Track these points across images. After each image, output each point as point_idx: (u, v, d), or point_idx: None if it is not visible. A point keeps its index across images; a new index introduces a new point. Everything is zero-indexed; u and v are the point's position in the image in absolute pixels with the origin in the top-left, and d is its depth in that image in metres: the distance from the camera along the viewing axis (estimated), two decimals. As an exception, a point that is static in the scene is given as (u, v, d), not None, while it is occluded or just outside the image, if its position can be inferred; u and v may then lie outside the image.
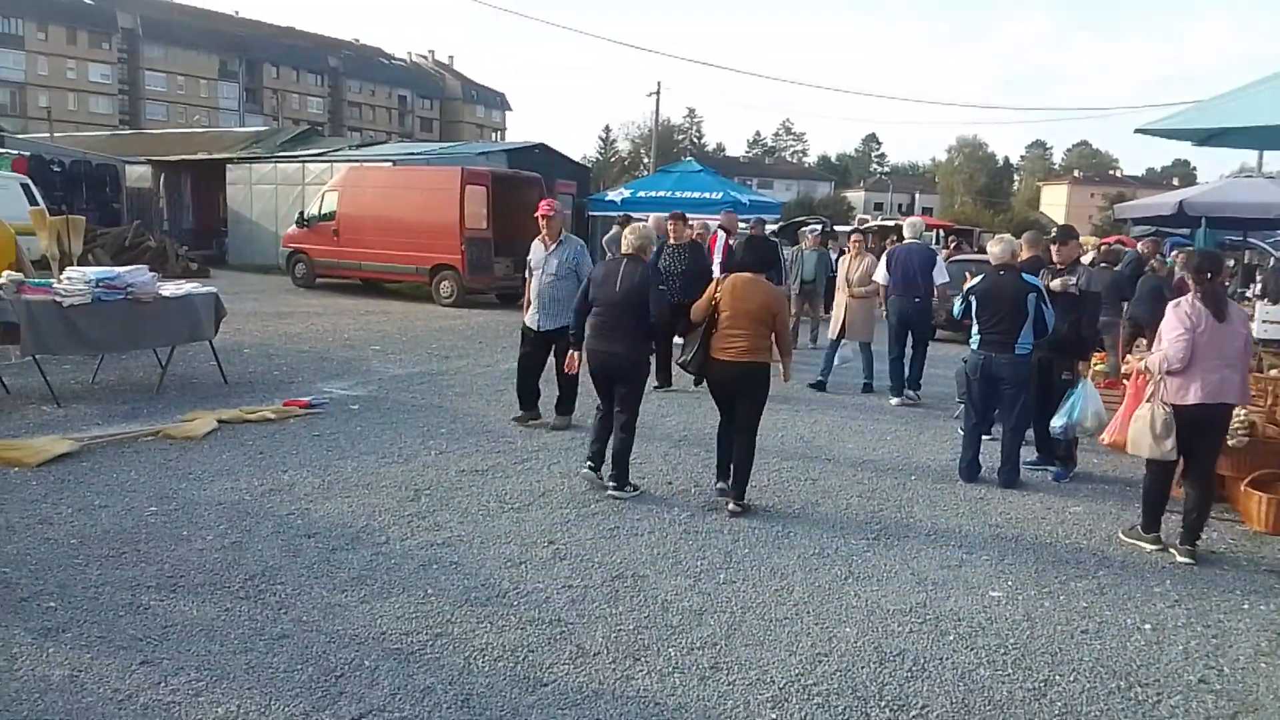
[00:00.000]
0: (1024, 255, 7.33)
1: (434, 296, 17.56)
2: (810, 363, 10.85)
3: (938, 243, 26.08)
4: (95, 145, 28.74)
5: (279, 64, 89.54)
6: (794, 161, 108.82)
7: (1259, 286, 12.20)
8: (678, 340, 7.35)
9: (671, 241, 9.71)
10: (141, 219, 22.53)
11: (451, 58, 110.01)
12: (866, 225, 31.14)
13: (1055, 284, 6.95)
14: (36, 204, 15.14)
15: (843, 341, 10.52)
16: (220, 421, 7.25)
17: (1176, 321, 5.21)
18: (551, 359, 7.69)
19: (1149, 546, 5.46)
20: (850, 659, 3.91)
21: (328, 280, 19.17)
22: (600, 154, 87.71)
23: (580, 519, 5.54)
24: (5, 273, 7.66)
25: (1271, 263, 19.08)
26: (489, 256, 17.81)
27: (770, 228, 20.37)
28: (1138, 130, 6.53)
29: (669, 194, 19.92)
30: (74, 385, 8.45)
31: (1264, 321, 7.58)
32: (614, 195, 21.81)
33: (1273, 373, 6.90)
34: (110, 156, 24.99)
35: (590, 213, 21.81)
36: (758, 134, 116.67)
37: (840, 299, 10.51)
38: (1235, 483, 6.19)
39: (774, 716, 3.43)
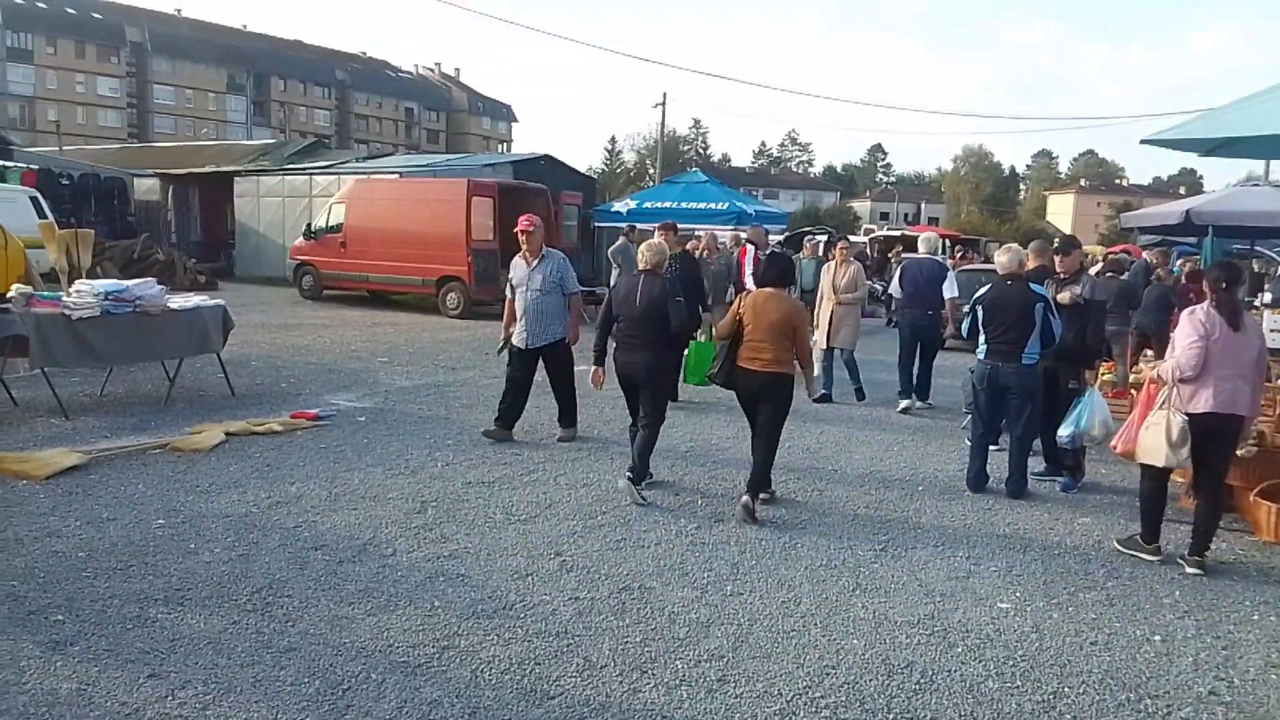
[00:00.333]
0: (1030, 265, 7.32)
1: (440, 308, 17.60)
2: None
3: (943, 252, 26.11)
4: (104, 158, 28.93)
5: (286, 77, 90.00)
6: (799, 172, 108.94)
7: (1268, 295, 12.16)
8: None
9: None
10: (149, 232, 22.64)
11: (458, 70, 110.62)
12: (873, 235, 31.26)
13: (1062, 296, 6.94)
14: (45, 217, 15.19)
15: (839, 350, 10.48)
16: (228, 434, 7.26)
17: (1190, 329, 5.20)
18: (543, 375, 7.70)
19: (1149, 557, 5.42)
20: (858, 671, 3.89)
21: (335, 292, 19.23)
22: (606, 165, 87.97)
23: (587, 531, 5.54)
24: (14, 286, 7.70)
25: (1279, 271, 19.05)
26: (495, 268, 17.83)
27: (776, 238, 20.38)
28: (1144, 141, 6.53)
29: (675, 205, 19.97)
30: (82, 398, 8.49)
31: (1272, 330, 7.56)
32: (620, 206, 21.88)
33: (1281, 382, 6.88)
34: (119, 170, 25.15)
35: (596, 224, 21.87)
36: (763, 144, 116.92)
37: (826, 306, 10.49)
38: (1244, 493, 6.17)
39: (782, 729, 3.42)
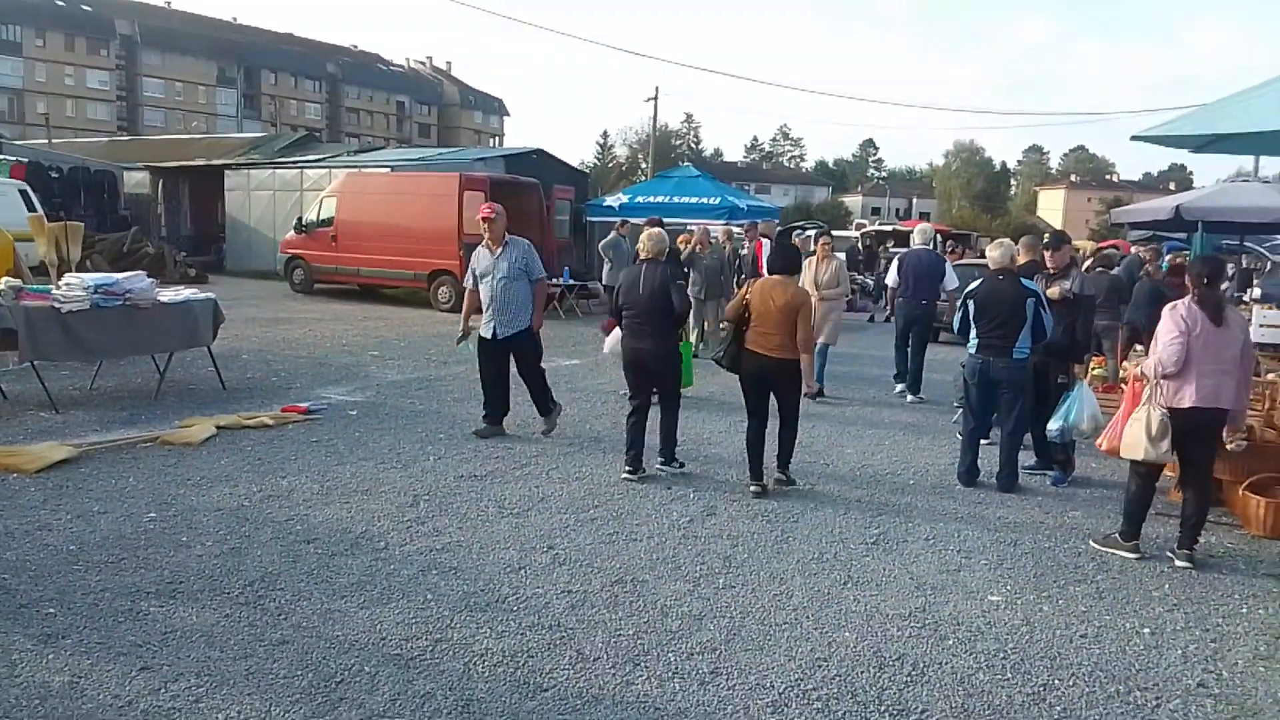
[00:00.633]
0: (1021, 260, 7.35)
1: (432, 302, 17.56)
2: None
3: (935, 247, 26.19)
4: (93, 151, 28.73)
5: (277, 70, 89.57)
6: (791, 167, 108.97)
7: (1258, 290, 12.22)
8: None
9: None
10: (139, 225, 22.52)
11: (449, 63, 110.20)
12: (865, 230, 31.31)
13: (1052, 291, 6.97)
14: (35, 210, 15.14)
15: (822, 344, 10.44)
16: (219, 427, 7.25)
17: (1172, 325, 5.22)
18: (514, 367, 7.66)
19: (1128, 555, 5.43)
20: (850, 664, 3.91)
21: (326, 286, 19.18)
22: (598, 159, 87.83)
23: (579, 524, 5.54)
24: (4, 279, 7.66)
25: (1269, 266, 19.13)
26: (487, 262, 17.79)
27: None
28: (1134, 137, 6.54)
29: (667, 199, 19.96)
30: (72, 391, 8.45)
31: (1261, 326, 7.60)
32: (612, 201, 21.85)
33: (1270, 377, 6.92)
34: (108, 163, 24.99)
35: (588, 218, 21.84)
36: (755, 139, 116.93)
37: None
38: (1233, 487, 6.20)
39: (774, 721, 3.43)
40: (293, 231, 19.49)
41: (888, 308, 10.82)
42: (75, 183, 22.42)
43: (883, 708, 3.56)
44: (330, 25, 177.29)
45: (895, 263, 10.76)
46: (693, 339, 10.11)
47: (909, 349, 10.35)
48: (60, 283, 7.95)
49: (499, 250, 7.41)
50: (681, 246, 12.10)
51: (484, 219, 7.44)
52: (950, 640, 4.19)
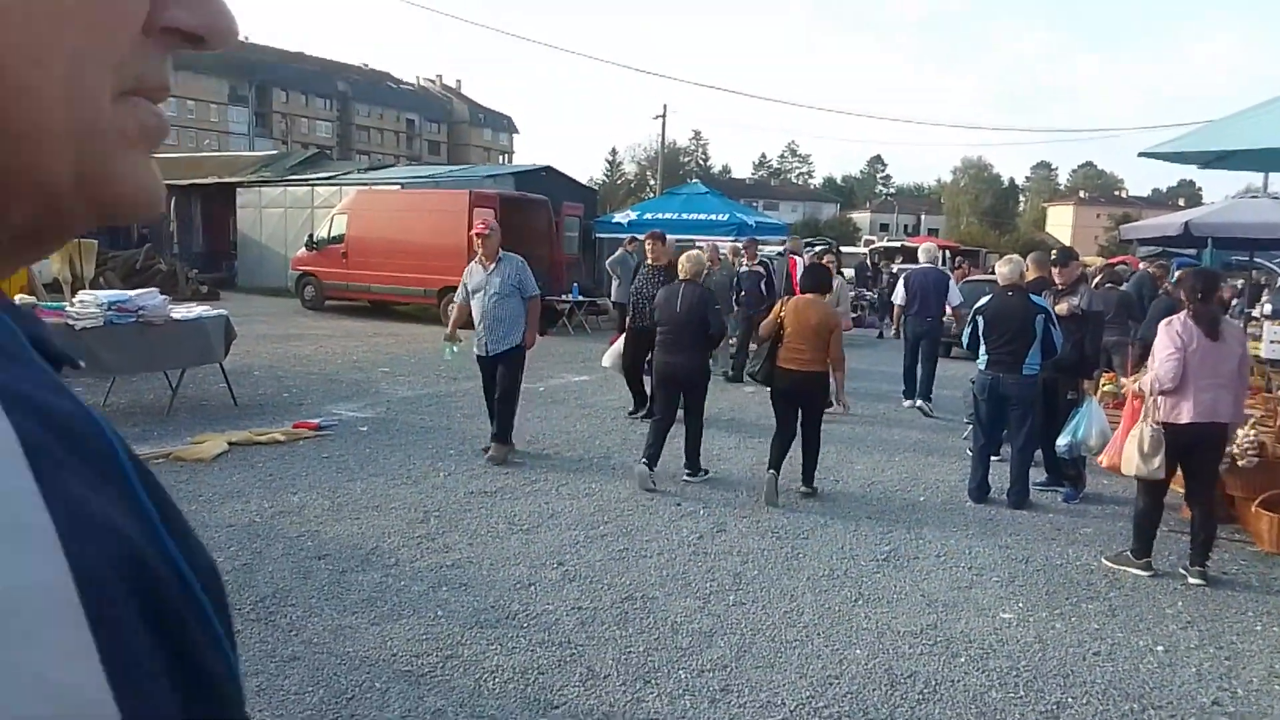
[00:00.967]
0: (1029, 276, 7.35)
1: (442, 318, 17.50)
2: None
3: (944, 264, 26.18)
4: (106, 170, 28.89)
5: (288, 88, 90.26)
6: (799, 183, 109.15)
7: (1268, 306, 12.17)
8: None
9: (649, 262, 9.19)
10: (152, 242, 22.68)
11: (459, 81, 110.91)
12: (874, 246, 31.34)
13: (1060, 307, 6.97)
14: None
15: None
16: (230, 444, 7.28)
17: (1168, 340, 5.22)
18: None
19: (1140, 572, 5.41)
20: (861, 681, 3.90)
21: (337, 302, 19.26)
22: (607, 176, 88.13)
23: (589, 540, 5.54)
24: (17, 296, 7.73)
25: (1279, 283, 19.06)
26: (496, 279, 17.85)
27: (776, 249, 20.47)
28: (1142, 154, 6.55)
29: (676, 216, 20.00)
30: (85, 408, 8.49)
31: (1273, 342, 7.57)
32: (621, 217, 21.90)
33: (1282, 393, 6.89)
34: (121, 181, 25.14)
35: (597, 235, 21.90)
36: (763, 156, 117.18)
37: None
38: (1246, 504, 6.17)
39: (785, 739, 3.42)
40: (304, 248, 19.60)
41: (894, 325, 11.05)
42: (88, 201, 22.55)
43: (894, 726, 3.54)
44: (341, 44, 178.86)
45: (901, 281, 11.07)
46: None
47: (919, 362, 10.57)
48: (74, 300, 8.01)
49: (492, 266, 7.30)
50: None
51: (478, 234, 7.34)
52: (962, 658, 4.18)
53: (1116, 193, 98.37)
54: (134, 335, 7.94)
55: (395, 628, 4.18)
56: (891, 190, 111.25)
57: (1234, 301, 14.27)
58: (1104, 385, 8.94)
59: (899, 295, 10.98)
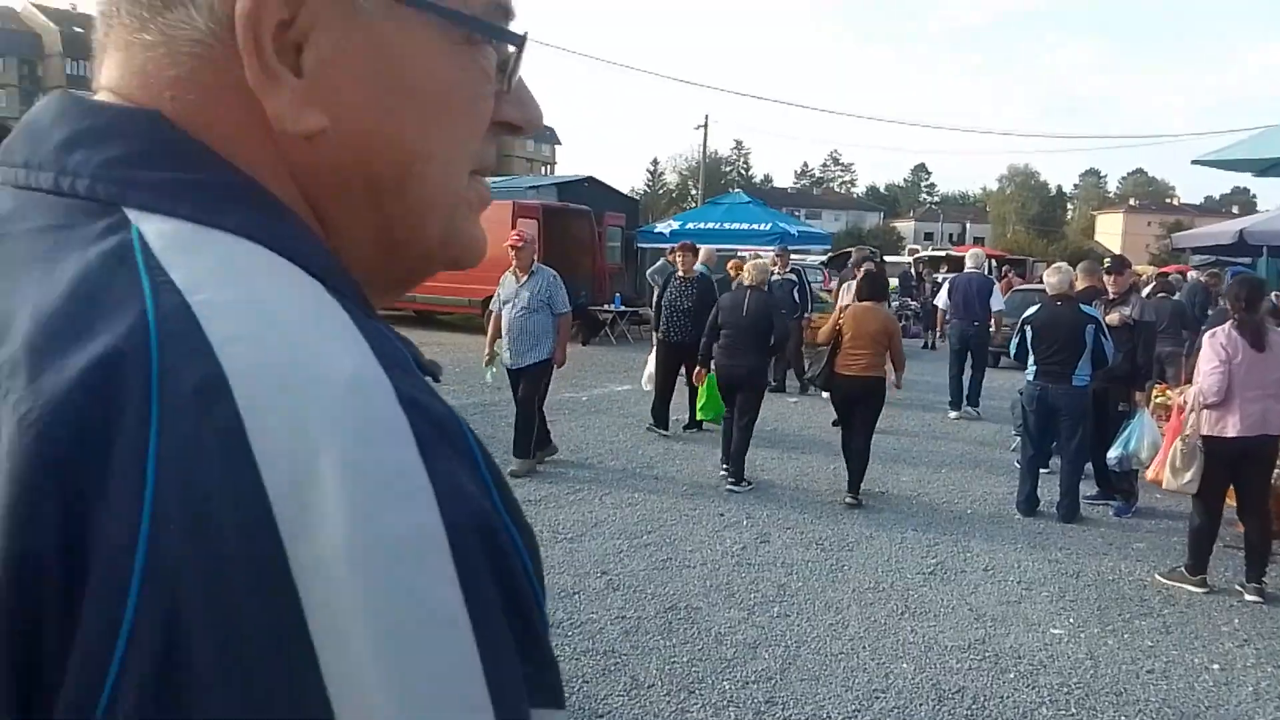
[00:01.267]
0: (1079, 285, 7.24)
1: (485, 328, 17.76)
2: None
3: (990, 272, 25.82)
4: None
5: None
6: (842, 192, 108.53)
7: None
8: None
9: (680, 274, 8.86)
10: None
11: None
12: (918, 254, 31.04)
13: (1111, 317, 6.86)
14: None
15: None
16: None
17: (1212, 353, 5.11)
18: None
19: (1194, 589, 5.29)
20: (908, 696, 3.86)
21: (383, 312, 19.36)
22: (648, 186, 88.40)
23: (633, 550, 5.55)
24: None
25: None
26: (540, 289, 17.97)
27: (817, 259, 20.32)
28: (1195, 162, 6.45)
29: (718, 225, 19.97)
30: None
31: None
32: (663, 227, 21.90)
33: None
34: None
35: (639, 245, 21.96)
36: (805, 165, 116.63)
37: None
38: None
39: (831, 752, 3.40)
40: (350, 259, 19.89)
41: (937, 330, 11.09)
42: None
43: (942, 741, 3.51)
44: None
45: (946, 286, 11.17)
46: None
47: (965, 369, 10.58)
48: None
49: (524, 279, 7.22)
50: (732, 273, 12.12)
51: (512, 246, 7.20)
52: (1011, 673, 4.12)
53: (1168, 200, 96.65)
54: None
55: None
56: (936, 199, 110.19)
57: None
58: (1155, 397, 8.78)
59: (942, 299, 11.15)
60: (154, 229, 0.45)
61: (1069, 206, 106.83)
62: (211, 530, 0.37)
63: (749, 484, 7.07)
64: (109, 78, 0.52)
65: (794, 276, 12.34)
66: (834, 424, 7.81)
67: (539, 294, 7.16)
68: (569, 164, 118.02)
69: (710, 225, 20.10)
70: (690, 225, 20.71)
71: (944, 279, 20.57)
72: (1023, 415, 7.04)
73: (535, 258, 7.46)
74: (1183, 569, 5.40)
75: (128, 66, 0.51)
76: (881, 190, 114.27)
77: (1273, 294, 13.00)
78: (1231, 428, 5.05)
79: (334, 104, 0.50)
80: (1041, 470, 6.99)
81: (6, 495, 0.38)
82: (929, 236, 76.62)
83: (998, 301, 10.68)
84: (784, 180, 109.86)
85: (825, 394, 7.85)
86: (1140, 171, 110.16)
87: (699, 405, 8.45)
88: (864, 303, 7.13)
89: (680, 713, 3.62)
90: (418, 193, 0.54)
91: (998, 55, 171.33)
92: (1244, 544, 5.34)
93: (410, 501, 0.40)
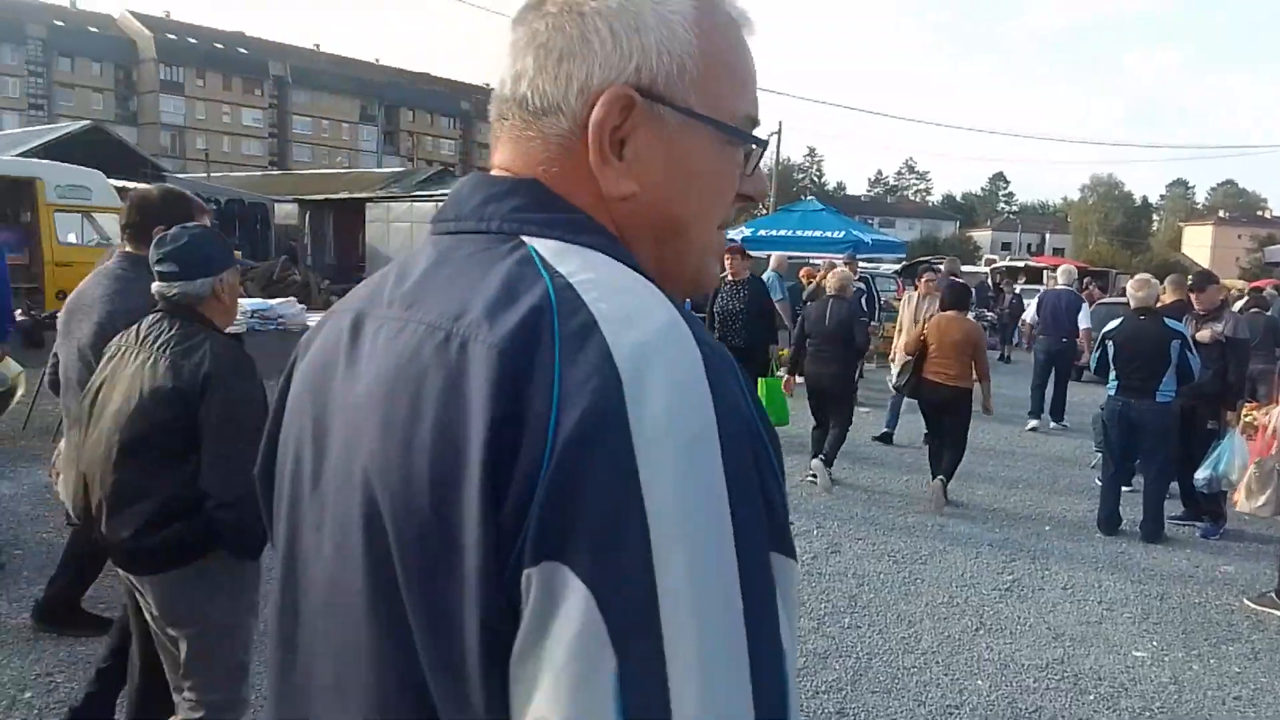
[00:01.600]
0: (1166, 299, 7.05)
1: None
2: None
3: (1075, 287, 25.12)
4: (247, 185, 30.61)
5: (415, 108, 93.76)
6: (917, 200, 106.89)
7: None
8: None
9: (730, 278, 8.31)
10: (288, 254, 23.84)
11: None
12: (995, 265, 30.38)
13: (1202, 335, 6.65)
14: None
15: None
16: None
17: None
18: None
19: None
20: (983, 713, 3.81)
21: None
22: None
23: (703, 556, 5.56)
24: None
25: None
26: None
27: (894, 268, 20.05)
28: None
29: (791, 233, 19.86)
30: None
31: None
32: (735, 234, 21.88)
33: None
34: (261, 195, 26.61)
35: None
36: (879, 173, 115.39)
37: (903, 341, 9.13)
38: None
39: (904, 766, 3.37)
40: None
41: (1025, 344, 11.29)
42: (231, 214, 23.91)
43: (1018, 760, 3.45)
44: (464, 65, 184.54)
45: (1036, 301, 11.28)
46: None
47: (1050, 383, 10.64)
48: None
49: None
50: (805, 281, 12.05)
51: None
52: (1091, 695, 4.03)
53: (1259, 213, 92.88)
54: (275, 341, 8.37)
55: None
56: (1014, 208, 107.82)
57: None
58: (1245, 416, 8.48)
59: (1030, 314, 11.34)
60: (542, 246, 0.73)
61: (1155, 218, 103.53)
62: (589, 395, 0.62)
63: (834, 482, 7.25)
64: (502, 158, 0.81)
65: (862, 284, 12.18)
66: (924, 440, 8.06)
67: None
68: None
69: (783, 232, 20.01)
70: (763, 232, 20.63)
71: (1020, 289, 20.10)
72: (1104, 431, 6.87)
73: None
74: (1273, 594, 5.22)
75: (515, 151, 0.80)
76: (958, 199, 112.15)
77: None
78: None
79: (642, 179, 0.77)
80: (1124, 488, 6.81)
81: (489, 385, 0.65)
82: (1006, 246, 74.85)
83: (1085, 319, 10.51)
84: (857, 188, 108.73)
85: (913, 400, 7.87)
86: (1230, 183, 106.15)
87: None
88: (947, 312, 7.25)
89: None
90: (686, 241, 0.82)
91: (1078, 62, 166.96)
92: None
93: (699, 410, 0.63)
